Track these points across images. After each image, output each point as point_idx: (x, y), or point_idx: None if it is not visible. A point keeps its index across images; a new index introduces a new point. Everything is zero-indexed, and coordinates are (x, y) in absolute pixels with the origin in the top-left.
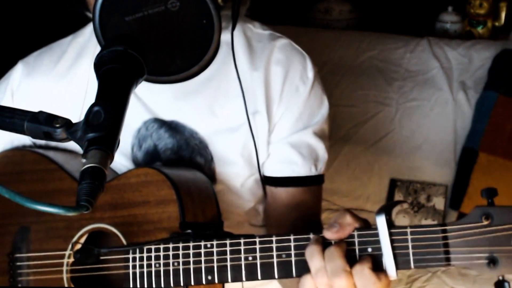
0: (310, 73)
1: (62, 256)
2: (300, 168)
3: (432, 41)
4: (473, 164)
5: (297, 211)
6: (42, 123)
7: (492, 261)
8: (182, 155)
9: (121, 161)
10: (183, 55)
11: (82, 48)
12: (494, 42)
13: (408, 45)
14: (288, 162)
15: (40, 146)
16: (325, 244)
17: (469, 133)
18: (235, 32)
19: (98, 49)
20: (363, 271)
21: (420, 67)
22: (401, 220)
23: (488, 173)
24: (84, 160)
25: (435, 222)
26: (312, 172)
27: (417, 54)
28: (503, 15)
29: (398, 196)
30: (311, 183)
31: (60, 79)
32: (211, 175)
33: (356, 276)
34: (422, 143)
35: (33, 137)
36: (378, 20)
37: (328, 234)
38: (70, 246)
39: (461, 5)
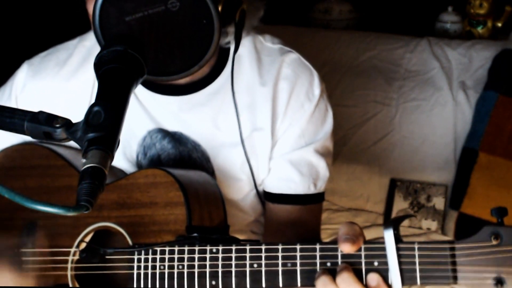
0: (317, 90)
1: (67, 253)
2: (298, 186)
3: (432, 41)
4: (473, 164)
5: (294, 229)
6: (42, 123)
7: (500, 282)
8: (184, 166)
9: (127, 168)
10: (183, 55)
11: (89, 52)
12: (494, 42)
13: (408, 45)
14: (286, 180)
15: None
16: (330, 271)
17: (469, 133)
18: (246, 43)
19: None
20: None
21: (420, 67)
22: None
23: (488, 173)
24: (84, 160)
25: (435, 222)
26: (311, 190)
27: (417, 54)
28: (505, 16)
29: (398, 196)
30: (309, 202)
31: (66, 82)
32: None
33: None
34: (422, 143)
35: (33, 137)
36: (378, 20)
37: (347, 248)
38: (75, 243)
39: (461, 5)
